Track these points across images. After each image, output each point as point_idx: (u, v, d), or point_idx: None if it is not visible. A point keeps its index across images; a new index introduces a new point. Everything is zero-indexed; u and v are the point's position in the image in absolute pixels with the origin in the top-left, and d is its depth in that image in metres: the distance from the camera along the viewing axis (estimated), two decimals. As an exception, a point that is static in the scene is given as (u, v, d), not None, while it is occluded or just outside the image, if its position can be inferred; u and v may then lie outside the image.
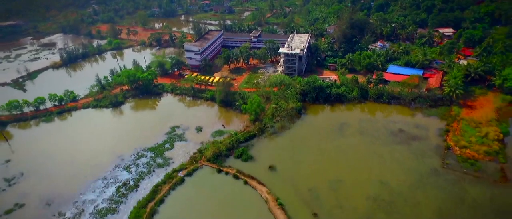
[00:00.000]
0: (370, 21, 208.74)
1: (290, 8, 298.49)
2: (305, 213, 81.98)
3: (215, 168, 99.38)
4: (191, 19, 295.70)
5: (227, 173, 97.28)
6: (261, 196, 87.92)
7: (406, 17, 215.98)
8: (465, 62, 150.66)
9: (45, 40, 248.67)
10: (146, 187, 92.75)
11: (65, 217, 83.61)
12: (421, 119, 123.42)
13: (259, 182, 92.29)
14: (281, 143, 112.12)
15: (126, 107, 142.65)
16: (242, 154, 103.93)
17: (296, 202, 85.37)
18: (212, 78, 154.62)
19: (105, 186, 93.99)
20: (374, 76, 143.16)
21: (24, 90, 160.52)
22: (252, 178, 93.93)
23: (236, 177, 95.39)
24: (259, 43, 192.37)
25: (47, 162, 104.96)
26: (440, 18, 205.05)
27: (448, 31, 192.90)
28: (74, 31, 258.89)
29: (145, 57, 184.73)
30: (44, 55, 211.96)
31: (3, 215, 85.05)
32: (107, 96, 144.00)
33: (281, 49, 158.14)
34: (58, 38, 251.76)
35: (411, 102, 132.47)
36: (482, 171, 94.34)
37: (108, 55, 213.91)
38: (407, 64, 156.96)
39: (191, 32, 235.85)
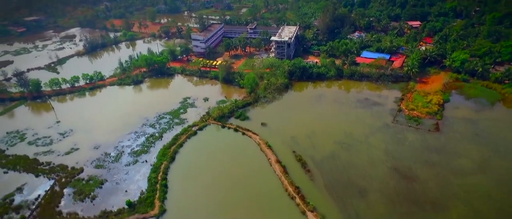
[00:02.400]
0: (351, 15, 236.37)
1: (282, 5, 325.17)
2: (287, 151, 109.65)
3: (220, 124, 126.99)
4: (193, 15, 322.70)
5: (229, 128, 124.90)
6: (255, 141, 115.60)
7: (382, 12, 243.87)
8: (424, 48, 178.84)
9: (65, 33, 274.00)
10: (168, 137, 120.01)
11: (110, 155, 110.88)
12: (384, 91, 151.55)
13: (254, 133, 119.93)
14: (271, 109, 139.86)
15: (145, 85, 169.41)
16: (241, 115, 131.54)
17: (281, 145, 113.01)
18: (215, 62, 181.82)
19: (136, 137, 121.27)
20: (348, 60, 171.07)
21: (57, 73, 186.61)
22: (248, 130, 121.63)
23: (236, 130, 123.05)
24: (254, 34, 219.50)
25: (89, 122, 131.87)
26: (410, 12, 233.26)
27: (416, 23, 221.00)
28: (90, 25, 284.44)
29: (158, 46, 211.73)
30: (67, 45, 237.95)
31: (64, 155, 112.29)
32: (129, 76, 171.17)
33: (273, 38, 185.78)
34: (76, 31, 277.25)
35: (377, 79, 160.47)
36: (421, 124, 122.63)
37: (123, 45, 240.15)
38: (378, 50, 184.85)
39: (195, 25, 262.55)
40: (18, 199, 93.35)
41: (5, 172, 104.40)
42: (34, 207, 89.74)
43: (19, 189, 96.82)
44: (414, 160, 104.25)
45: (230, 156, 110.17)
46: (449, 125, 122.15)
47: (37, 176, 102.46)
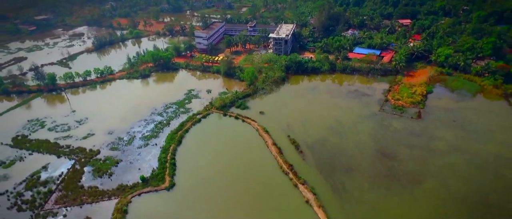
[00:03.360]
0: (346, 14, 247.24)
1: (281, 4, 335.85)
2: (282, 135, 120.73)
3: (222, 113, 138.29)
4: (195, 14, 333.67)
5: (230, 116, 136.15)
6: (253, 127, 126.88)
7: (375, 11, 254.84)
8: (412, 44, 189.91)
9: (73, 31, 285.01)
10: (175, 124, 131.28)
11: (123, 139, 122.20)
12: (373, 84, 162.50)
13: (253, 120, 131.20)
14: (269, 99, 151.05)
15: (152, 79, 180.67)
16: (241, 105, 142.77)
17: (277, 130, 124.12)
18: (217, 57, 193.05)
19: (146, 124, 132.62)
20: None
21: (70, 68, 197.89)
22: (248, 117, 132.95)
23: (236, 118, 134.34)
24: (254, 32, 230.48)
25: (102, 111, 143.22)
26: (401, 11, 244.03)
27: (406, 21, 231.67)
28: (97, 23, 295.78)
29: (163, 43, 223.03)
30: (77, 42, 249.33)
31: (81, 139, 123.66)
32: (136, 70, 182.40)
33: (271, 35, 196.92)
34: (84, 30, 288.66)
35: (368, 73, 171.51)
36: (405, 113, 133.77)
37: (129, 43, 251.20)
38: (370, 47, 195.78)
39: (198, 24, 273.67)
40: (44, 175, 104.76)
41: (30, 154, 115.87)
42: (58, 182, 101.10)
43: (44, 168, 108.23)
44: (396, 143, 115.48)
45: (231, 139, 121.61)
46: (430, 113, 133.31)
47: (58, 157, 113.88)
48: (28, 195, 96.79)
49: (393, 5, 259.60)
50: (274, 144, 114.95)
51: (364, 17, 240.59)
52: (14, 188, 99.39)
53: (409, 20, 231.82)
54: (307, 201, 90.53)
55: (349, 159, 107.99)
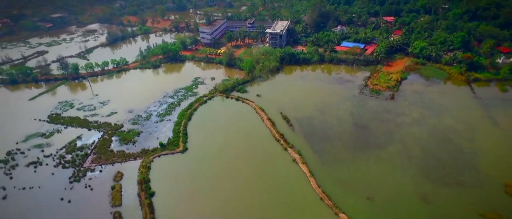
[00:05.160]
0: (336, 12, 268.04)
1: (278, 3, 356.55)
2: (275, 113, 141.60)
3: (224, 96, 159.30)
4: (198, 12, 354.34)
5: (231, 98, 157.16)
6: (251, 106, 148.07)
7: (363, 9, 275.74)
8: (392, 38, 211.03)
9: (86, 28, 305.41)
10: (184, 105, 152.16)
11: (142, 116, 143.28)
12: (356, 72, 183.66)
13: (251, 101, 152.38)
14: (265, 85, 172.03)
15: (161, 69, 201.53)
16: (241, 89, 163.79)
17: (271, 109, 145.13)
18: (219, 50, 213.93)
19: (160, 104, 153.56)
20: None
21: (87, 59, 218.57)
22: (247, 99, 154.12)
23: (237, 99, 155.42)
24: (252, 28, 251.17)
25: (121, 95, 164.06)
26: (387, 9, 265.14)
27: (390, 18, 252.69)
28: (108, 21, 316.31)
29: (170, 39, 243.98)
30: (91, 38, 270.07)
31: (106, 116, 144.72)
32: (148, 61, 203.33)
33: (268, 30, 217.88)
34: (96, 27, 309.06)
35: (352, 63, 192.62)
36: (381, 95, 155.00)
37: (138, 38, 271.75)
38: (355, 41, 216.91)
39: (201, 21, 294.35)
40: (79, 143, 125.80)
41: (65, 127, 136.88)
42: (92, 147, 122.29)
43: (79, 137, 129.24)
44: (370, 118, 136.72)
45: (232, 116, 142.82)
46: (402, 95, 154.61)
47: (89, 129, 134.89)
48: (68, 157, 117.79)
49: (379, 3, 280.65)
50: (269, 119, 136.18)
51: (353, 15, 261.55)
52: (57, 152, 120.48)
53: (392, 17, 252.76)
54: (294, 160, 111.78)
55: (330, 130, 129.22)
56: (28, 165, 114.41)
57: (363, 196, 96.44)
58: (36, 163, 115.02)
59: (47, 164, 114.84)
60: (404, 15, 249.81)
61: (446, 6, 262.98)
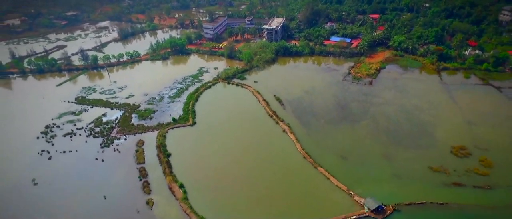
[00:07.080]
0: (327, 10, 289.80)
1: (275, 2, 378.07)
2: (270, 95, 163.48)
3: (226, 82, 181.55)
4: (200, 11, 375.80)
5: (232, 84, 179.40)
6: (249, 90, 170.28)
7: (352, 7, 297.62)
8: (375, 33, 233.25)
9: (98, 25, 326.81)
10: (192, 89, 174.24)
11: (156, 98, 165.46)
12: (342, 63, 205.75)
13: (249, 86, 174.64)
14: (261, 74, 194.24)
15: (170, 60, 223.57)
16: (240, 77, 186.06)
17: (266, 92, 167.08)
18: (221, 44, 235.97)
19: (171, 89, 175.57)
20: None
21: (103, 52, 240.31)
22: (245, 84, 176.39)
23: (237, 85, 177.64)
24: (251, 24, 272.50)
25: (136, 82, 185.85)
26: (373, 7, 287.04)
27: (376, 16, 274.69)
28: (118, 18, 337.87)
29: (176, 34, 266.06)
30: (104, 34, 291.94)
31: (125, 98, 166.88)
32: (158, 54, 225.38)
33: (264, 26, 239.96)
34: (107, 24, 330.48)
35: (339, 55, 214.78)
36: (361, 81, 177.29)
37: (147, 34, 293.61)
38: (343, 36, 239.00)
39: (204, 18, 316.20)
40: (104, 119, 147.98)
41: (91, 107, 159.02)
42: (116, 122, 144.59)
43: (104, 115, 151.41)
44: (350, 99, 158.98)
45: (233, 98, 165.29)
46: (380, 82, 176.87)
47: (112, 109, 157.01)
48: (97, 129, 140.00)
49: (367, 2, 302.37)
50: (264, 100, 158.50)
51: (342, 13, 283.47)
52: (87, 126, 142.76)
53: (378, 15, 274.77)
54: (284, 130, 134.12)
55: (316, 108, 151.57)
56: (64, 135, 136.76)
57: (338, 156, 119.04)
58: (71, 134, 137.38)
59: (80, 135, 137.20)
60: (388, 13, 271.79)
61: (427, 5, 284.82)
